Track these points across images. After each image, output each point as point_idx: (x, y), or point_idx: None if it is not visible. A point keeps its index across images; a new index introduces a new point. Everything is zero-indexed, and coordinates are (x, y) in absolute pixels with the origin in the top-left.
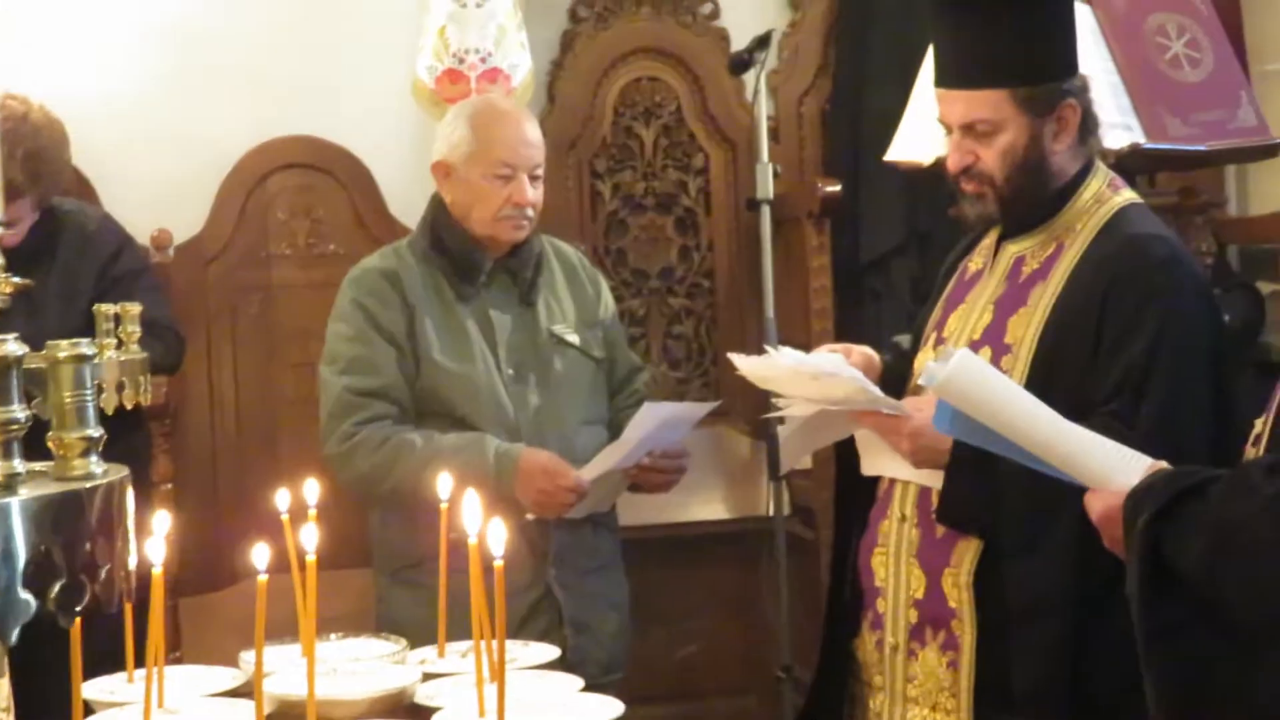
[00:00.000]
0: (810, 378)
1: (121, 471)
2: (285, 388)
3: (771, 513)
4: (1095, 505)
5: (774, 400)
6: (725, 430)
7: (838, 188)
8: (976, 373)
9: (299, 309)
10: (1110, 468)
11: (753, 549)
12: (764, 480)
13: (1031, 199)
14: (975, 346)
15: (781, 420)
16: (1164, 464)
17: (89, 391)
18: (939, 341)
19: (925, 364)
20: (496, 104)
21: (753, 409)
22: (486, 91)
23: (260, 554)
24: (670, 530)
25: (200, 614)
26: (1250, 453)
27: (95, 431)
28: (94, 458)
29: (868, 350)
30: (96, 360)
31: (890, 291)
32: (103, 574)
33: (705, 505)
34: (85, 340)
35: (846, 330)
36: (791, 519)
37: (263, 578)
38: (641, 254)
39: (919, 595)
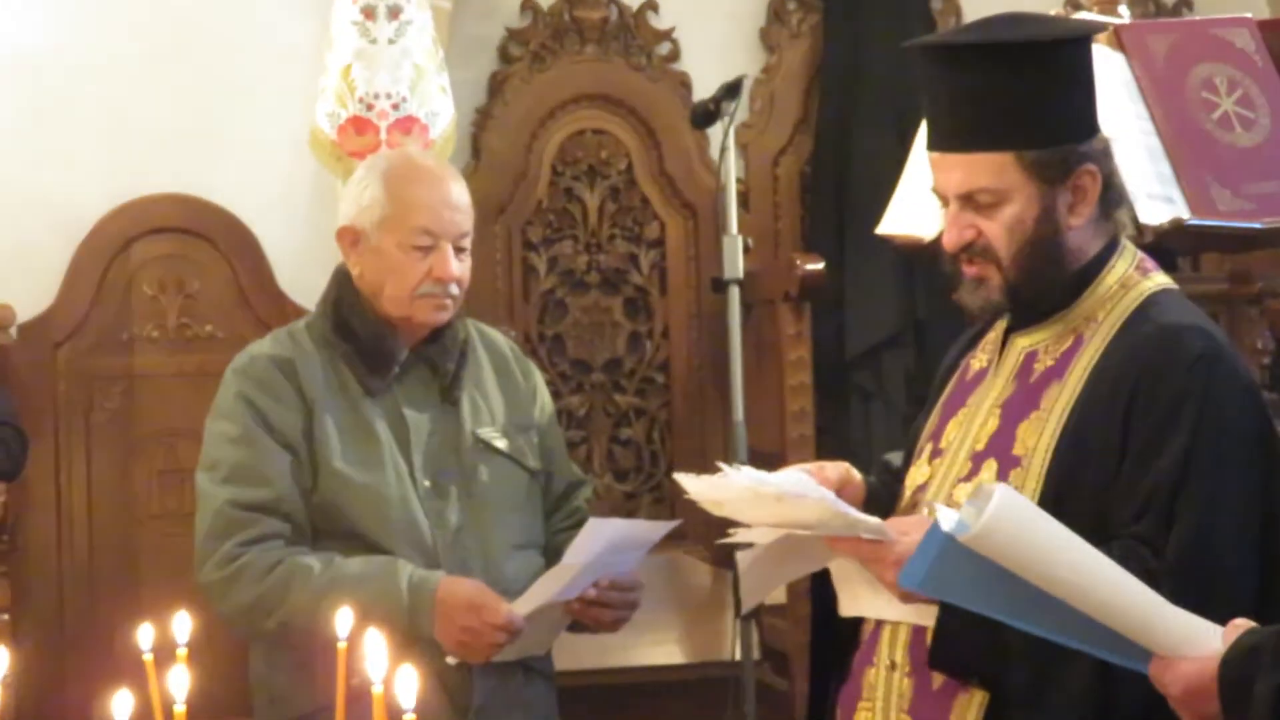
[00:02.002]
0: (774, 500)
1: None
2: (148, 499)
3: (738, 657)
4: (1171, 677)
5: (730, 528)
6: (682, 557)
7: (820, 266)
8: (1022, 517)
9: (167, 403)
10: (1183, 632)
11: (714, 700)
12: (729, 618)
13: (1044, 283)
14: (979, 458)
15: (738, 548)
16: (1248, 622)
17: None
18: (935, 454)
19: (937, 505)
20: (417, 160)
21: (716, 532)
22: (400, 144)
23: (121, 702)
24: (614, 677)
25: None
26: None
27: None
28: None
29: (844, 466)
30: None
31: (882, 391)
32: None
33: (657, 647)
34: None
35: (829, 437)
36: (761, 665)
37: None
38: (583, 342)
39: None
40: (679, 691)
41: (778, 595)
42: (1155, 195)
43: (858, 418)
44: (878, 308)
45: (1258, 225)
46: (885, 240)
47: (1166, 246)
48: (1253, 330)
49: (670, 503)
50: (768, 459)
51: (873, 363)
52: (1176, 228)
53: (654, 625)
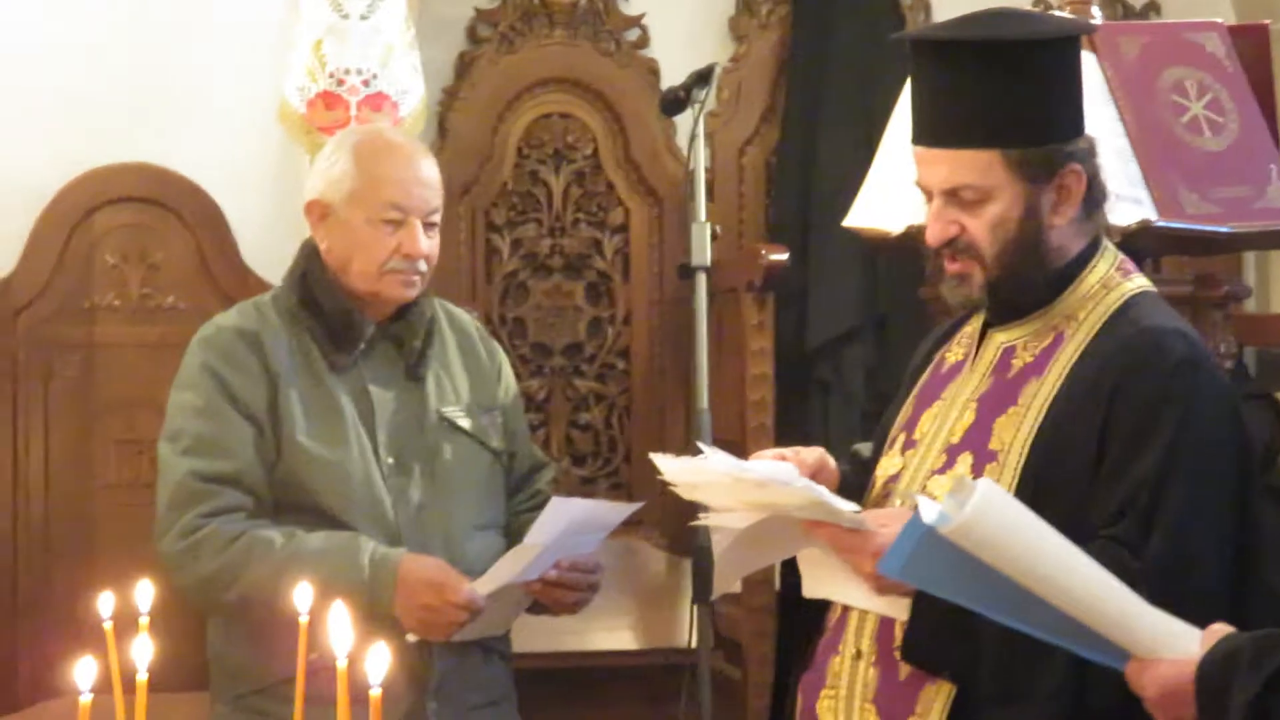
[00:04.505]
0: (754, 486)
1: None
2: (106, 469)
3: (694, 644)
4: (1148, 678)
5: (702, 512)
6: (638, 543)
7: (785, 256)
8: (1004, 512)
9: (127, 374)
10: (1161, 634)
11: (667, 687)
12: (683, 604)
13: (1025, 281)
14: (954, 451)
15: (709, 533)
16: (1226, 627)
17: None
18: (909, 445)
19: (913, 494)
20: (387, 135)
21: (672, 518)
22: (369, 120)
23: (85, 669)
24: (567, 661)
25: None
26: None
27: None
28: None
29: (820, 452)
30: None
31: (840, 384)
32: None
33: (610, 633)
34: None
35: (788, 427)
36: (714, 653)
37: (86, 698)
38: (544, 325)
39: None
40: (632, 677)
41: (734, 584)
42: (1124, 196)
43: (816, 409)
44: (839, 300)
45: (1225, 229)
46: (849, 233)
47: (1133, 247)
48: (1217, 334)
49: (628, 488)
50: (726, 447)
51: (833, 355)
52: (1145, 229)
53: (608, 610)
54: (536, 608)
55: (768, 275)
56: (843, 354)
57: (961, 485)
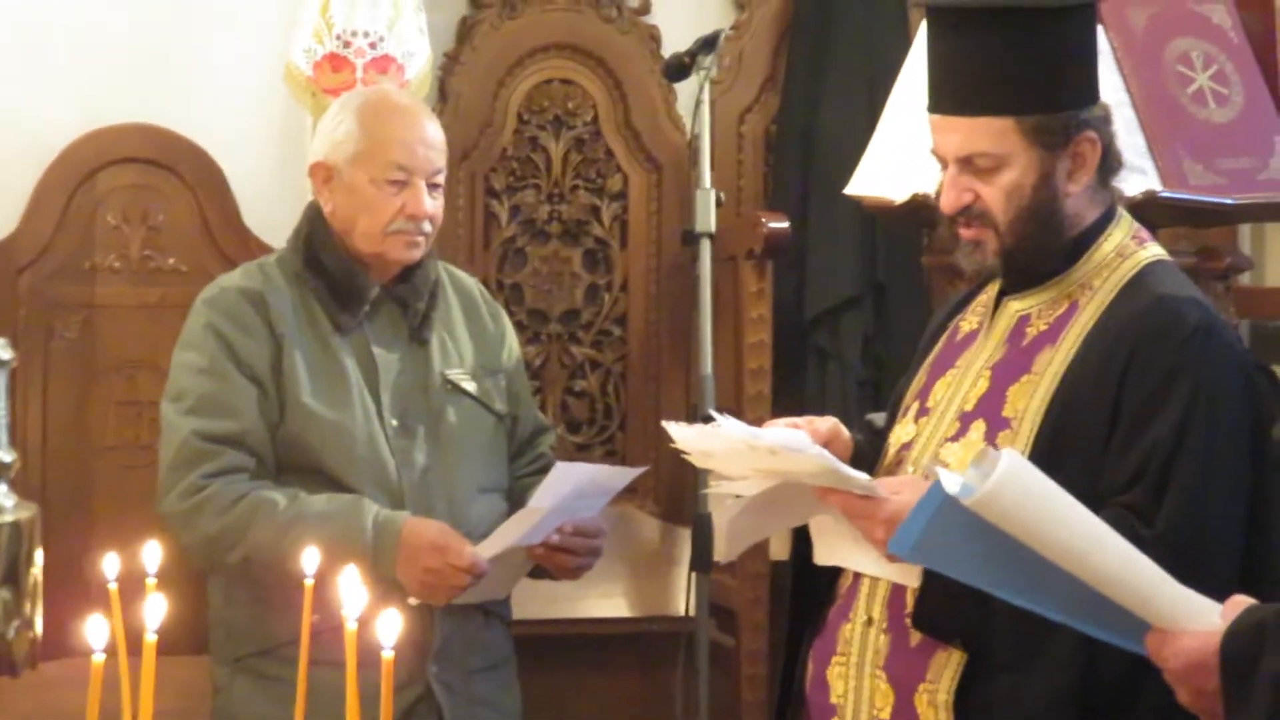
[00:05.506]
0: (767, 453)
1: (31, 509)
2: (105, 430)
3: (692, 612)
4: (1169, 651)
5: (712, 479)
6: (632, 511)
7: (785, 224)
8: (1029, 483)
9: (127, 334)
10: (1182, 606)
11: (661, 655)
12: (677, 573)
13: (1040, 248)
14: (967, 419)
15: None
16: (1248, 599)
17: None
18: (922, 413)
19: (936, 467)
20: (391, 97)
21: (667, 486)
22: (375, 83)
23: (96, 628)
24: (560, 628)
25: None
26: None
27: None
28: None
29: (833, 421)
30: None
31: (838, 352)
32: (11, 632)
33: (604, 600)
34: None
35: (784, 396)
36: (708, 622)
37: (99, 657)
38: (541, 291)
39: (885, 716)
40: (626, 645)
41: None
42: (1130, 166)
43: (813, 378)
44: (838, 269)
45: (1228, 201)
46: (848, 202)
47: (1138, 217)
48: (1219, 305)
49: (623, 456)
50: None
51: (831, 324)
52: (1150, 199)
53: (602, 578)
54: (538, 572)
55: (767, 243)
56: (841, 322)
57: (984, 455)
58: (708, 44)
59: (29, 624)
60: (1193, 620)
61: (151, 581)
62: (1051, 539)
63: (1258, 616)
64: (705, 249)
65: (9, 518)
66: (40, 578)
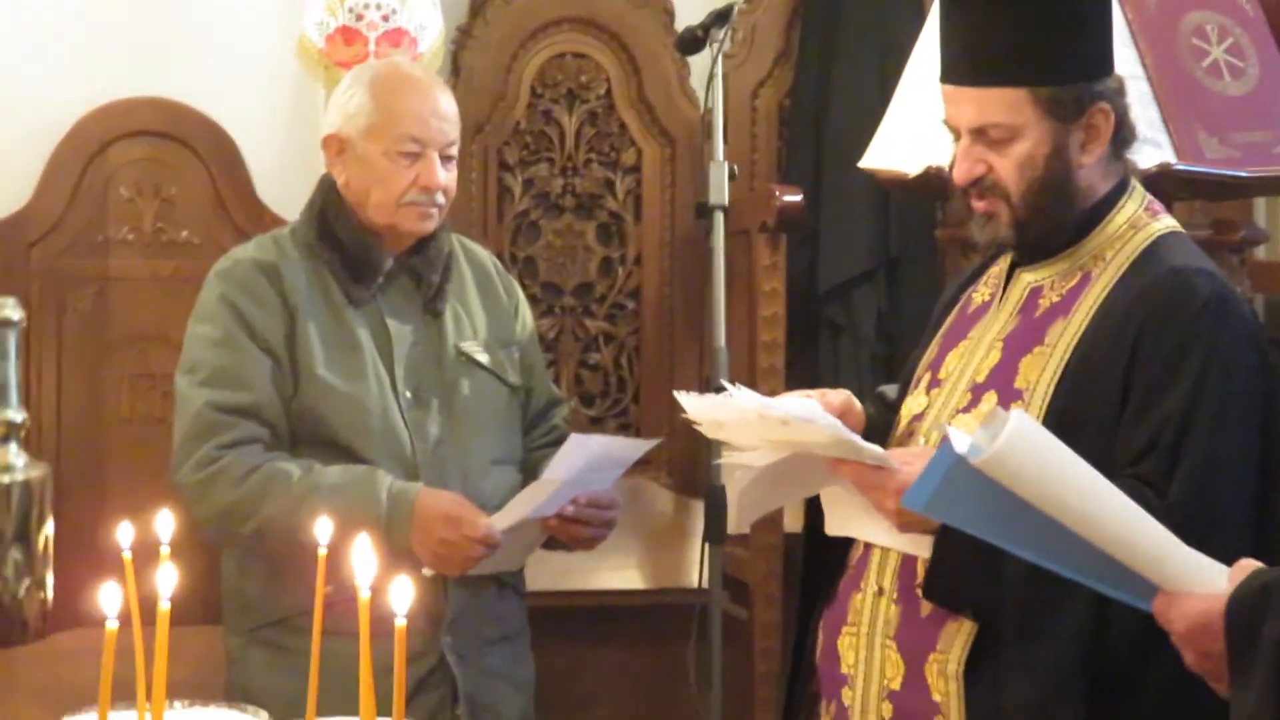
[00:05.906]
0: (779, 424)
1: (42, 468)
2: (118, 403)
3: (706, 584)
4: (1175, 613)
5: (725, 447)
6: (645, 483)
7: (799, 197)
8: (1038, 443)
9: (140, 307)
10: (1190, 568)
11: (674, 627)
12: (690, 545)
13: (1053, 220)
14: (979, 390)
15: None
16: (1255, 562)
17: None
18: (934, 384)
19: (946, 426)
20: (404, 69)
21: (680, 458)
22: (388, 56)
23: (110, 596)
24: (573, 600)
25: None
26: None
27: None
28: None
29: (846, 394)
30: None
31: (851, 326)
32: (22, 591)
33: (617, 572)
34: None
35: (797, 369)
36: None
37: (112, 624)
38: (555, 265)
39: (895, 686)
40: (639, 616)
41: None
42: (1144, 139)
43: (826, 352)
44: (852, 243)
45: (1243, 174)
46: (861, 176)
47: (1153, 190)
48: (1234, 279)
49: (636, 428)
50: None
51: (844, 297)
52: (1164, 172)
53: (615, 550)
54: (552, 543)
55: (782, 216)
56: (854, 296)
57: (994, 416)
58: (721, 18)
59: (40, 583)
60: (1200, 583)
61: (165, 551)
62: (1060, 500)
63: (1263, 579)
64: (719, 222)
65: (20, 476)
66: (52, 541)
